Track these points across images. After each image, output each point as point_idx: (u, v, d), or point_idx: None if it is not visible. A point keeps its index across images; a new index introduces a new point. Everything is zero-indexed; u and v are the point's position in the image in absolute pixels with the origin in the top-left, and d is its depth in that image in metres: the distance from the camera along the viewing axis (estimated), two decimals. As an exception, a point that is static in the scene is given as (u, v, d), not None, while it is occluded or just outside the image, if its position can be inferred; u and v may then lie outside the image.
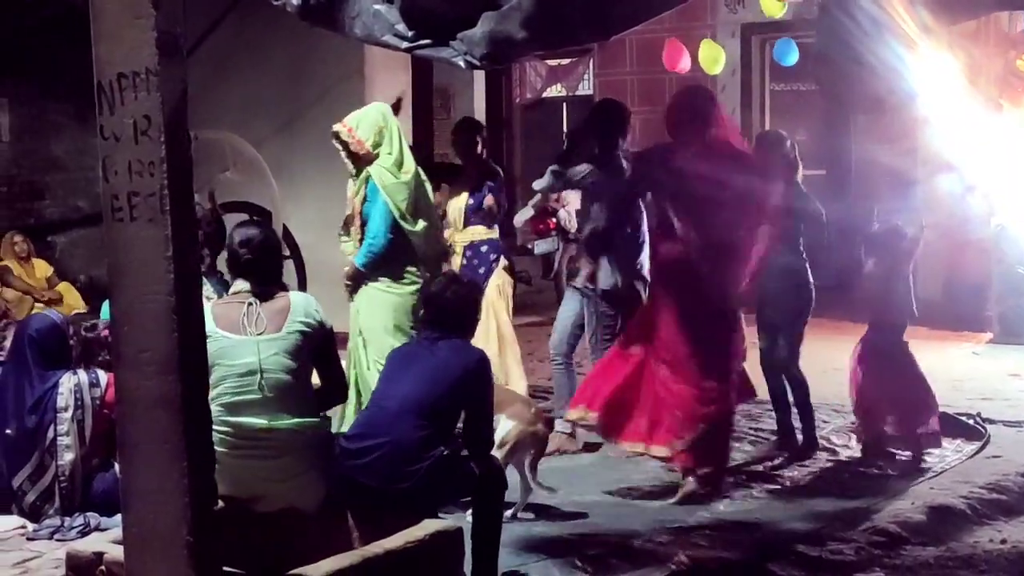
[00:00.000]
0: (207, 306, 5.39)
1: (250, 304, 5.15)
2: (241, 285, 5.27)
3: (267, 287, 5.26)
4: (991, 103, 11.64)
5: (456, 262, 8.37)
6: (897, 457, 7.81)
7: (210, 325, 5.06)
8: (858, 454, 7.94)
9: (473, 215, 8.44)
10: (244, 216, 11.87)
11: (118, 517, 4.34)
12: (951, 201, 12.07)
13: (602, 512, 6.76)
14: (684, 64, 12.49)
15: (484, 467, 5.39)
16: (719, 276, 6.95)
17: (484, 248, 8.40)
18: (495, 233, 8.51)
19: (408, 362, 5.49)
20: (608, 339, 7.87)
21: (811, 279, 7.85)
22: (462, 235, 8.43)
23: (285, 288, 5.44)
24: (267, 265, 5.36)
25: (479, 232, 8.44)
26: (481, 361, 5.46)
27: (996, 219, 12.16)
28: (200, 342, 4.12)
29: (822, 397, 8.98)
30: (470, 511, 5.50)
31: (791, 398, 8.04)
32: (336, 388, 5.52)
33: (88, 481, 6.46)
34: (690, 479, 6.96)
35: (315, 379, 5.46)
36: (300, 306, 5.22)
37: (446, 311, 5.55)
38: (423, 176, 7.39)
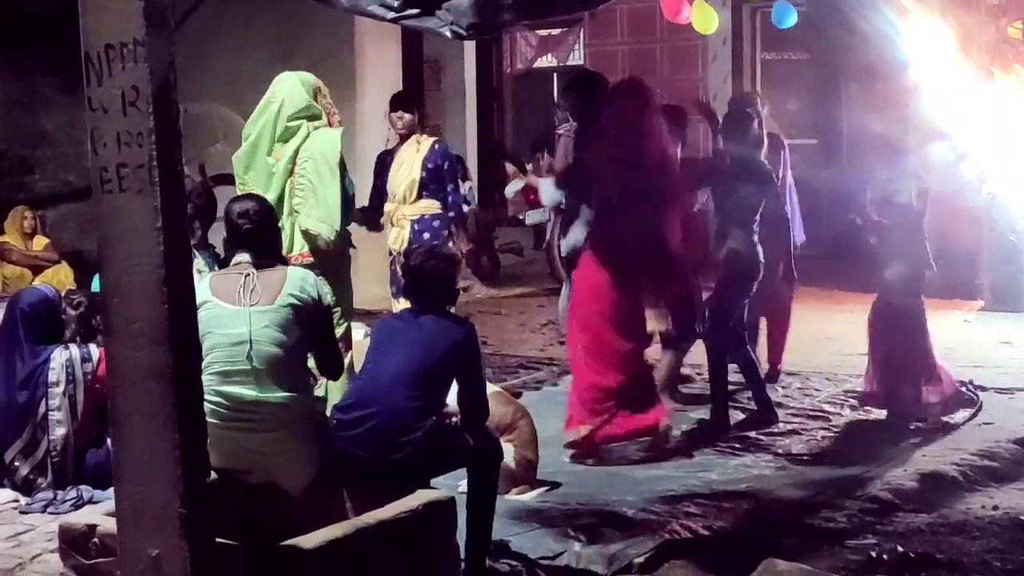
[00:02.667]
0: (206, 277, 5.39)
1: (247, 275, 5.14)
2: (241, 257, 5.25)
3: (266, 259, 5.25)
4: (982, 71, 11.63)
5: (398, 236, 8.28)
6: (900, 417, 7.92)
7: (206, 293, 5.08)
8: (849, 420, 7.97)
9: (426, 188, 8.37)
10: (235, 189, 11.90)
11: (111, 490, 4.34)
12: (943, 169, 12.05)
13: (595, 482, 6.78)
14: (685, 15, 12.40)
15: (478, 437, 5.40)
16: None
17: (436, 223, 8.34)
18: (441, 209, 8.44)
19: (396, 334, 5.48)
20: None
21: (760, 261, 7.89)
22: (411, 208, 8.32)
23: (285, 262, 5.41)
24: (266, 236, 5.33)
25: (432, 206, 8.37)
26: (468, 332, 5.44)
27: (988, 187, 12.17)
28: (191, 313, 4.11)
29: (814, 366, 9.02)
30: (463, 481, 5.52)
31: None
32: (327, 365, 5.46)
33: (81, 455, 6.46)
34: None
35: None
36: (296, 280, 5.20)
37: (425, 283, 5.54)
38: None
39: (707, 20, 12.27)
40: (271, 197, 6.74)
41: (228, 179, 11.60)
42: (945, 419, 7.89)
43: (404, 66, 12.64)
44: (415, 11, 5.36)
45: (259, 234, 5.28)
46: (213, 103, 12.09)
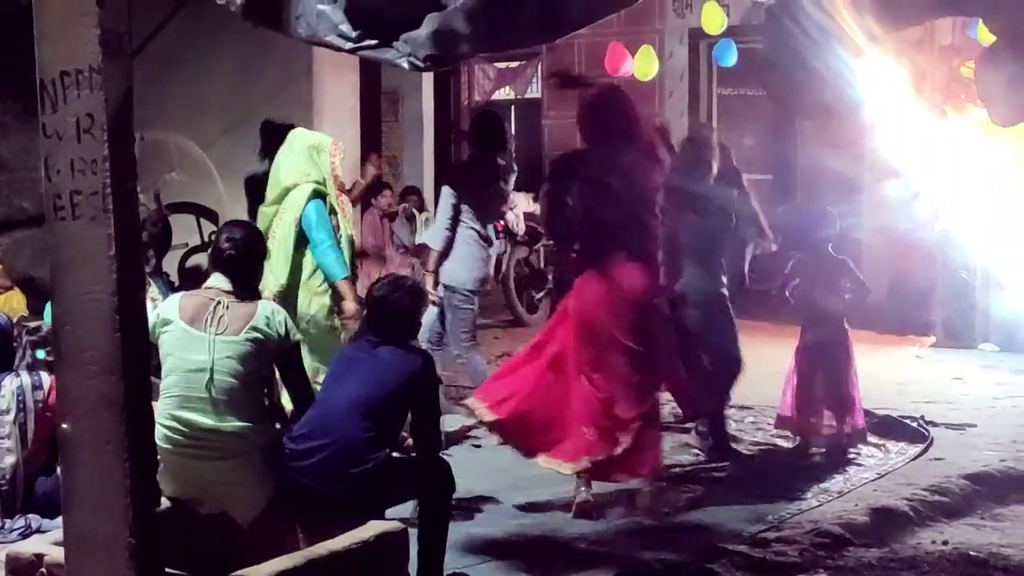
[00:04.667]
0: (175, 295, 5.36)
1: (218, 303, 5.12)
2: (216, 280, 5.22)
3: (242, 288, 5.22)
4: (936, 110, 11.75)
5: None
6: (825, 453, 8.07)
7: (174, 312, 5.05)
8: (803, 455, 8.01)
9: None
10: (190, 217, 11.85)
11: (60, 519, 4.30)
12: (897, 206, 12.17)
13: (549, 514, 6.77)
14: (626, 68, 12.53)
15: (431, 468, 5.39)
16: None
17: None
18: None
19: (352, 365, 5.47)
20: (466, 332, 8.11)
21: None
22: None
23: (258, 296, 5.37)
24: (246, 266, 5.30)
25: None
26: (426, 364, 5.44)
27: (940, 224, 12.28)
28: (143, 342, 4.09)
29: (766, 399, 9.03)
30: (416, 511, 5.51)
31: None
32: (300, 403, 5.40)
33: (30, 484, 6.39)
34: (583, 489, 6.75)
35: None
36: (264, 314, 5.16)
37: (388, 315, 5.53)
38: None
39: (647, 68, 12.45)
40: None
41: (183, 208, 11.60)
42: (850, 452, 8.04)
43: (362, 97, 12.63)
44: (373, 42, 5.35)
45: (240, 262, 5.25)
46: (170, 131, 12.03)
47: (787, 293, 8.29)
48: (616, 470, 6.76)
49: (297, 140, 7.36)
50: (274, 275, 7.03)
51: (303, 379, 5.45)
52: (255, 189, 8.25)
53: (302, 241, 7.14)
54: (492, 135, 8.32)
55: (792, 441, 8.29)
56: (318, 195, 7.17)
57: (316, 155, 7.27)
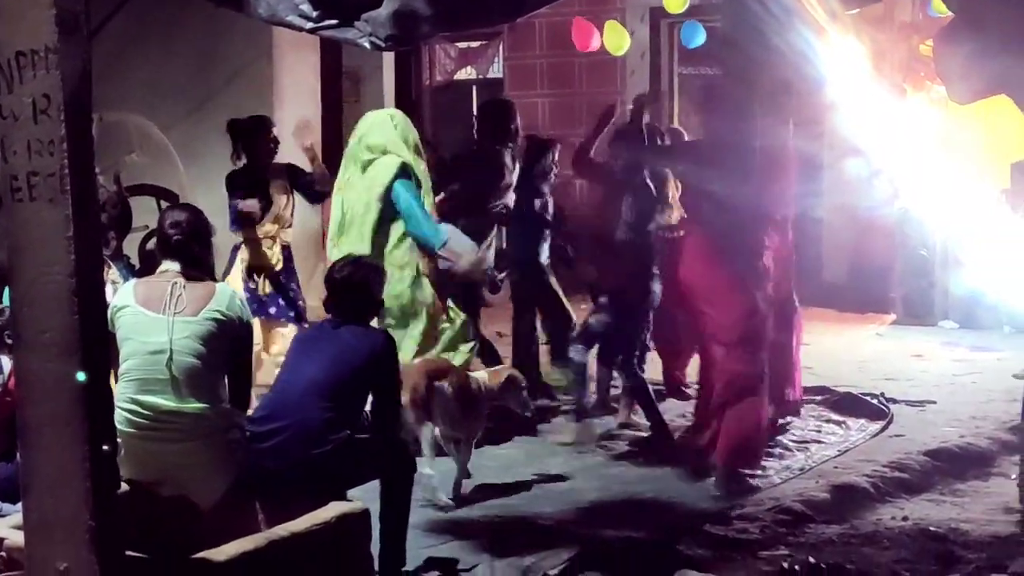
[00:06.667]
0: (130, 281, 5.32)
1: (175, 284, 5.08)
2: (169, 265, 5.18)
3: (195, 270, 5.18)
4: (895, 88, 11.79)
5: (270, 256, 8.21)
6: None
7: (128, 298, 5.02)
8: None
9: None
10: (151, 199, 11.81)
11: (20, 504, 4.28)
12: (857, 185, 12.23)
13: (513, 495, 6.78)
14: (594, 43, 12.53)
15: (392, 448, 5.39)
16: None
17: None
18: None
19: (311, 346, 5.47)
20: None
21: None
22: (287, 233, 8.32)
23: (214, 276, 5.35)
24: (197, 248, 5.25)
25: None
26: (386, 344, 5.44)
27: (900, 202, 12.34)
28: (102, 323, 4.07)
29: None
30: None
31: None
32: (239, 391, 5.24)
33: (-10, 469, 6.35)
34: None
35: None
36: (223, 296, 5.12)
37: (349, 295, 5.53)
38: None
39: (618, 41, 12.43)
40: None
41: (144, 190, 11.55)
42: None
43: (323, 77, 12.57)
44: (333, 22, 5.34)
45: (189, 245, 5.20)
46: (130, 112, 11.97)
47: None
48: None
49: (398, 117, 7.53)
50: (349, 248, 7.08)
51: (249, 366, 5.41)
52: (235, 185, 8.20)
53: (383, 218, 7.30)
54: (505, 127, 8.38)
55: None
56: (404, 172, 7.30)
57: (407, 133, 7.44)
